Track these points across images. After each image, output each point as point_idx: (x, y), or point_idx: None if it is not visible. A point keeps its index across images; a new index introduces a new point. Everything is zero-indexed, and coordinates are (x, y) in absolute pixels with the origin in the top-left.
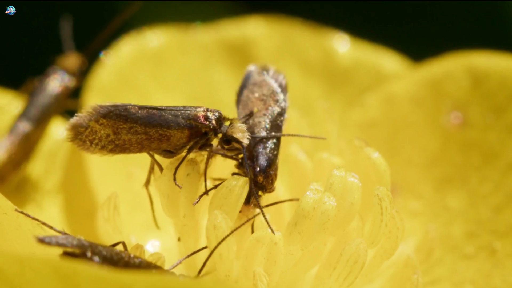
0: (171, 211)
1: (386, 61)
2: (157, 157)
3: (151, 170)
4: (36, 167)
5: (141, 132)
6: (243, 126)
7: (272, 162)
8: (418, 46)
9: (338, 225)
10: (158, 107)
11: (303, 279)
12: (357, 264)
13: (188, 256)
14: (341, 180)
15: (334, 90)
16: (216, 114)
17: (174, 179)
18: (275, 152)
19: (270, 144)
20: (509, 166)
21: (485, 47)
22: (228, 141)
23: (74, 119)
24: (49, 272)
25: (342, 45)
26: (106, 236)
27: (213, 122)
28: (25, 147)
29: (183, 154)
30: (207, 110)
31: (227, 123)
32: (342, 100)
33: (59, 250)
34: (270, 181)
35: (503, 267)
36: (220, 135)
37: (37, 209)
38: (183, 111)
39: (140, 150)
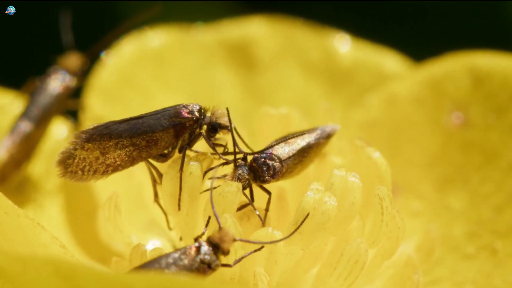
0: (175, 209)
1: (388, 61)
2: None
3: (154, 183)
4: (37, 167)
5: (128, 144)
6: (225, 112)
7: (277, 157)
8: (420, 46)
9: (339, 225)
10: (138, 116)
11: (304, 279)
12: (357, 264)
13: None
14: (342, 179)
15: (335, 90)
16: (197, 106)
17: (180, 178)
18: (287, 152)
19: (286, 145)
20: (510, 166)
21: (487, 47)
22: (215, 128)
23: (59, 155)
24: (50, 272)
25: (343, 45)
26: (107, 235)
27: (196, 113)
28: (26, 147)
29: (176, 155)
30: (187, 105)
31: (208, 113)
32: (343, 100)
33: (60, 250)
34: (265, 170)
35: (504, 267)
36: (205, 127)
37: (38, 209)
38: (163, 112)
39: (132, 163)
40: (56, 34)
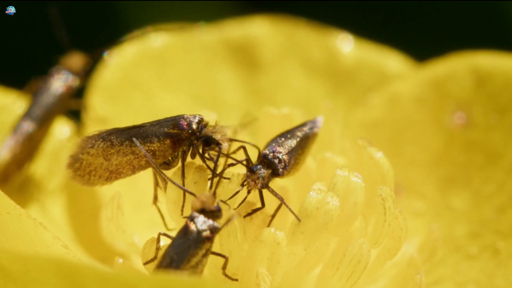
0: (178, 216)
1: (390, 61)
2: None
3: (156, 186)
4: (39, 166)
5: (129, 153)
6: (226, 130)
7: (283, 150)
8: (422, 46)
9: (341, 225)
10: (140, 124)
11: (306, 279)
12: (360, 264)
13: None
14: (344, 180)
15: (337, 90)
16: (196, 118)
17: (183, 187)
18: (290, 144)
19: (287, 139)
20: None
21: (489, 47)
22: (207, 141)
23: (68, 159)
24: (52, 271)
25: (346, 45)
26: (109, 235)
27: (193, 126)
28: (29, 147)
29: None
30: (187, 116)
31: (210, 127)
32: (346, 100)
33: (62, 250)
34: (277, 163)
35: (506, 267)
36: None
37: (40, 208)
38: (163, 122)
39: (133, 172)
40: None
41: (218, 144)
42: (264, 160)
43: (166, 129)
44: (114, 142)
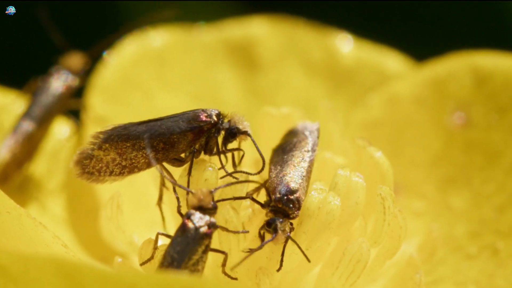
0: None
1: (390, 61)
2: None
3: (162, 187)
4: (39, 166)
5: (145, 146)
6: (243, 118)
7: (296, 185)
8: (422, 46)
9: (343, 225)
10: (157, 118)
11: (306, 278)
12: (359, 263)
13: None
14: (346, 179)
15: (337, 90)
16: (215, 111)
17: (188, 186)
18: (300, 175)
19: (295, 170)
20: None
21: (489, 47)
22: (233, 133)
23: (77, 155)
24: (52, 271)
25: (345, 45)
26: (109, 235)
27: (214, 117)
28: (29, 147)
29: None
30: (205, 109)
31: (226, 119)
32: (346, 99)
33: (62, 249)
34: (292, 207)
35: (506, 267)
36: (223, 132)
37: (40, 208)
38: (181, 115)
39: (148, 165)
40: (60, 33)
41: (244, 132)
42: (278, 205)
43: (187, 122)
44: (130, 136)
